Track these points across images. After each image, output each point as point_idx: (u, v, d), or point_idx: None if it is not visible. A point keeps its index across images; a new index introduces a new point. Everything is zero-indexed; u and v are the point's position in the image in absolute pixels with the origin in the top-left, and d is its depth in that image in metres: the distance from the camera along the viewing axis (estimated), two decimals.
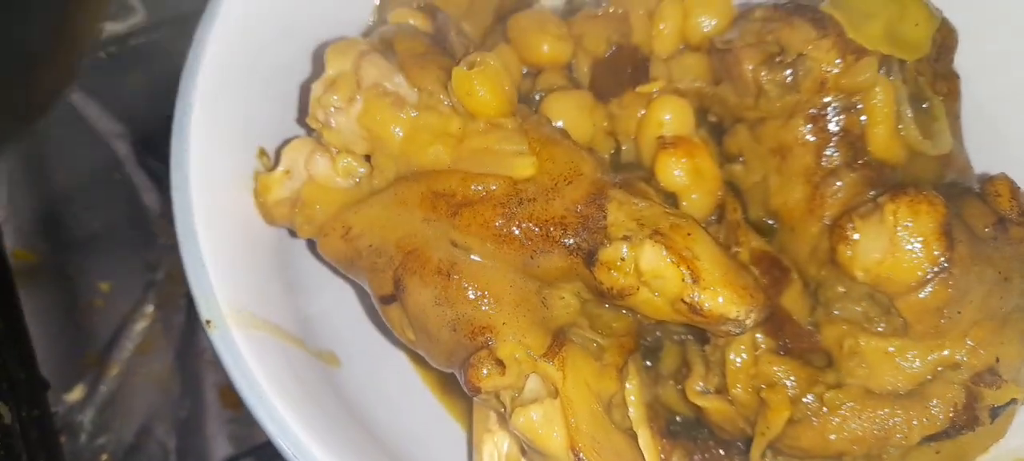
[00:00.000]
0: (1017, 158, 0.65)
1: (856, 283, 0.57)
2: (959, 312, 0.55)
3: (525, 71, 0.70)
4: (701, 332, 0.60)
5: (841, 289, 0.58)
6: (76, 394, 0.83)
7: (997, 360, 0.55)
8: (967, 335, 0.55)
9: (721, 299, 0.53)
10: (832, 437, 0.56)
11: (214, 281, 0.56)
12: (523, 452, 0.60)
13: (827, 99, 0.60)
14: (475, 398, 0.56)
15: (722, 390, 0.59)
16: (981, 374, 0.55)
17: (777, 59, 0.61)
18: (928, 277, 0.54)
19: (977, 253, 0.55)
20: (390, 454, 0.62)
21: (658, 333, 0.64)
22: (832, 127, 0.60)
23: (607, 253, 0.54)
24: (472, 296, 0.55)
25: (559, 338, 0.55)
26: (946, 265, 0.54)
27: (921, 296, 0.55)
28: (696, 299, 0.53)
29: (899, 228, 0.54)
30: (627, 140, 0.67)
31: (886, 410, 0.56)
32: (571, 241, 0.55)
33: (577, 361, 0.55)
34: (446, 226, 0.57)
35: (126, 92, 0.97)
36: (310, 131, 0.63)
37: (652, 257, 0.53)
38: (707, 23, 0.68)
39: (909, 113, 0.60)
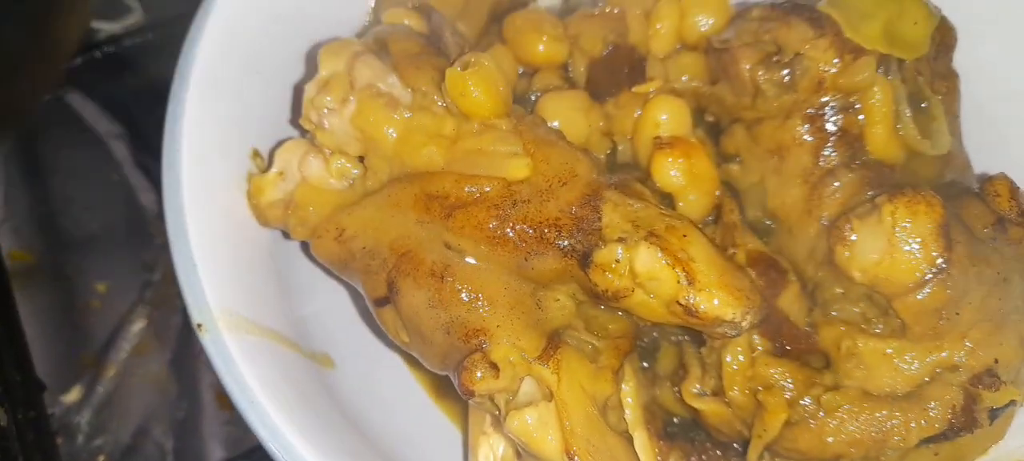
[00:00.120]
0: (1017, 158, 0.65)
1: (854, 284, 0.57)
2: (957, 313, 0.55)
3: (521, 71, 0.70)
4: (697, 334, 0.60)
5: (839, 290, 0.58)
6: (73, 395, 0.83)
7: (996, 361, 0.55)
8: (966, 336, 0.55)
9: (717, 301, 0.53)
10: (830, 439, 0.56)
11: (205, 284, 0.56)
12: (518, 455, 0.59)
13: (825, 99, 0.60)
14: (470, 401, 0.56)
15: (719, 392, 0.59)
16: (980, 376, 0.55)
17: (774, 59, 0.61)
18: (926, 278, 0.54)
19: (976, 254, 0.55)
20: (384, 457, 0.62)
21: (655, 334, 0.64)
22: (830, 127, 0.60)
23: (602, 255, 0.54)
24: (466, 298, 0.55)
25: (554, 340, 0.55)
26: (944, 266, 0.54)
27: (919, 297, 0.55)
28: (691, 301, 0.53)
29: (897, 229, 0.54)
30: (623, 140, 0.67)
31: (884, 412, 0.55)
32: (566, 243, 0.55)
33: (572, 363, 0.54)
34: (440, 228, 0.57)
35: (123, 92, 0.97)
36: (304, 132, 0.63)
37: (647, 259, 0.53)
38: (704, 22, 0.67)
39: (908, 113, 0.59)
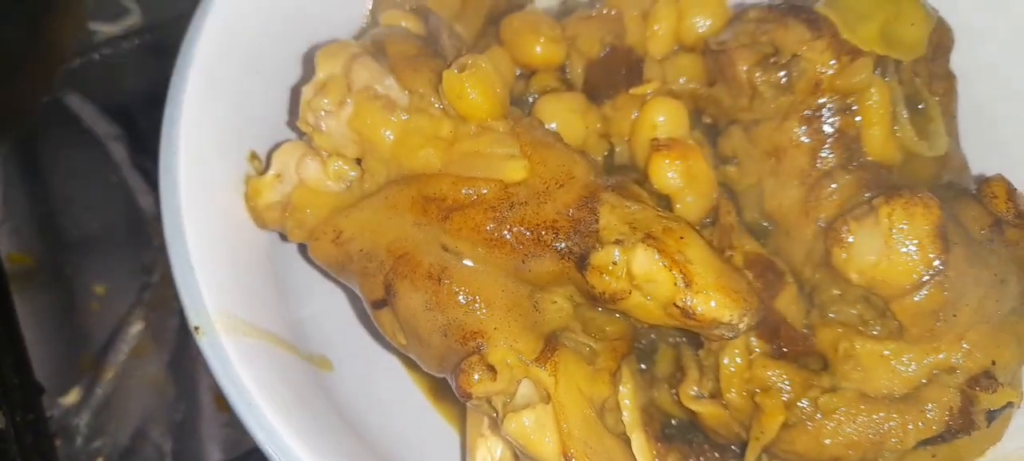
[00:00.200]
0: (1014, 159, 0.65)
1: (851, 286, 0.57)
2: (955, 315, 0.55)
3: (518, 73, 0.70)
4: (695, 336, 0.60)
5: (836, 292, 0.58)
6: (71, 397, 0.83)
7: (993, 363, 0.55)
8: (963, 338, 0.55)
9: (714, 303, 0.53)
10: (827, 441, 0.56)
11: (202, 287, 0.56)
12: (516, 457, 0.59)
13: (822, 100, 0.60)
14: (467, 403, 0.55)
15: (716, 394, 0.59)
16: (977, 377, 0.55)
17: (771, 60, 0.61)
18: (923, 280, 0.54)
19: (973, 255, 0.55)
20: (382, 459, 0.62)
21: (653, 336, 0.64)
22: (827, 129, 0.60)
23: (599, 257, 0.54)
24: (463, 301, 0.55)
25: (551, 342, 0.55)
26: (941, 268, 0.54)
27: (916, 299, 0.54)
28: (688, 303, 0.53)
29: (894, 230, 0.54)
30: (621, 142, 0.67)
31: (881, 414, 0.55)
32: (563, 245, 0.55)
33: (569, 366, 0.54)
34: (437, 230, 0.57)
35: (122, 94, 0.97)
36: (301, 134, 0.63)
37: (644, 261, 0.53)
38: (702, 24, 0.67)
39: (905, 114, 0.59)
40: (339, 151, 0.61)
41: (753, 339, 0.58)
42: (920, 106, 0.61)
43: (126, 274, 0.88)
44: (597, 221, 0.55)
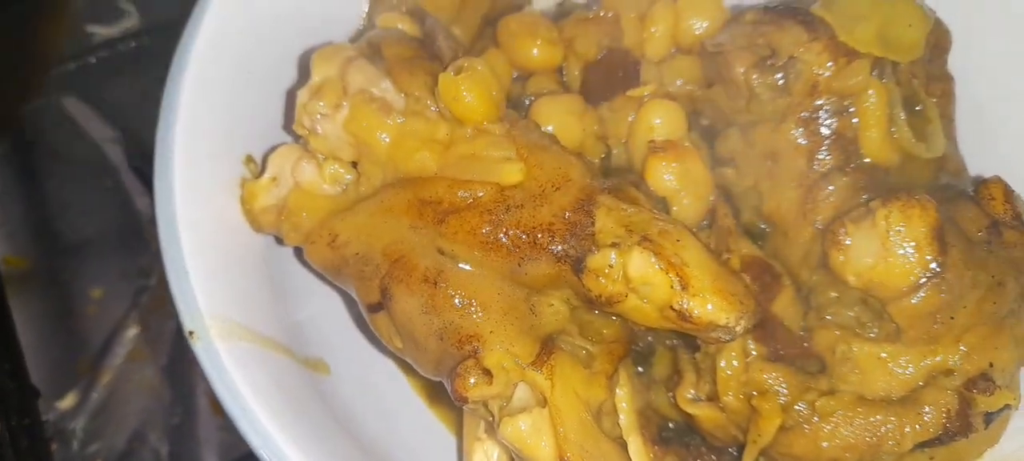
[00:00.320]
0: (1012, 160, 0.65)
1: (848, 288, 0.56)
2: (952, 317, 0.55)
3: (515, 75, 0.70)
4: (692, 339, 0.59)
5: (833, 294, 0.58)
6: (68, 401, 0.83)
7: (991, 365, 0.55)
8: (960, 340, 0.55)
9: (710, 306, 0.53)
10: (824, 444, 0.56)
11: (197, 291, 0.56)
12: None
13: (819, 102, 0.59)
14: (463, 407, 0.55)
15: (713, 397, 0.59)
16: (974, 380, 0.55)
17: (768, 62, 0.61)
18: (920, 282, 0.54)
19: (970, 257, 0.55)
20: None
21: (650, 339, 0.64)
22: (824, 130, 0.60)
23: (595, 260, 0.54)
24: (459, 304, 0.55)
25: (548, 346, 0.55)
26: (938, 270, 0.54)
27: (913, 301, 0.54)
28: (685, 306, 0.53)
29: (891, 232, 0.54)
30: (618, 144, 0.66)
31: (879, 416, 0.55)
32: (559, 248, 0.55)
33: (566, 369, 0.54)
34: (433, 233, 0.56)
35: (119, 97, 0.97)
36: (297, 138, 0.63)
37: (640, 264, 0.53)
38: (699, 26, 0.67)
39: (902, 116, 0.59)
40: (335, 154, 0.60)
41: (750, 342, 0.57)
42: (917, 108, 0.61)
43: (123, 278, 0.88)
44: (593, 224, 0.55)
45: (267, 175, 0.62)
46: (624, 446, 0.56)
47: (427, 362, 0.57)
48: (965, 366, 0.55)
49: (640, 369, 0.64)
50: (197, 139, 0.61)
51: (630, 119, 0.65)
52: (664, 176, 0.62)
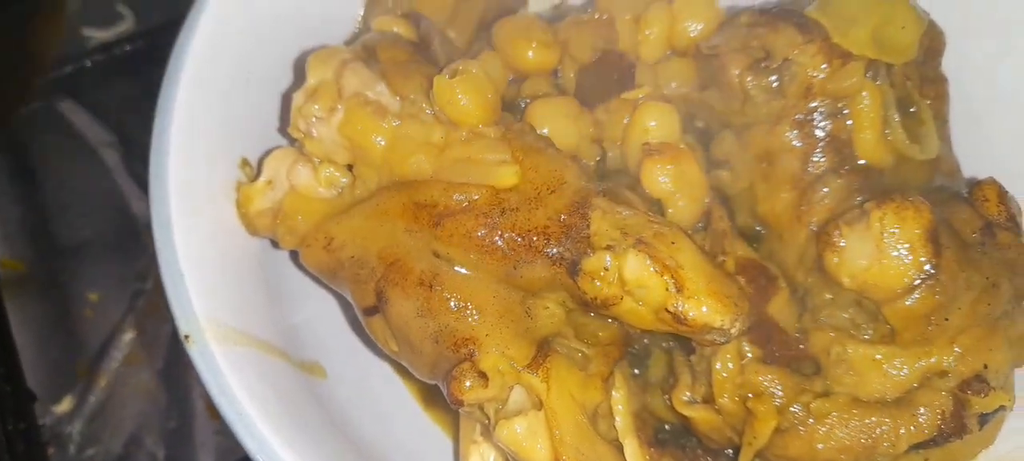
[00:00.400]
0: (1006, 162, 0.65)
1: (843, 290, 0.57)
2: (946, 319, 0.55)
3: (511, 78, 0.70)
4: (687, 341, 0.60)
5: (828, 296, 0.58)
6: (64, 405, 0.83)
7: (985, 367, 0.55)
8: (955, 342, 0.55)
9: (705, 308, 0.53)
10: (820, 446, 0.56)
11: (193, 295, 0.56)
12: None
13: (813, 104, 0.60)
14: (459, 410, 0.55)
15: (709, 399, 0.59)
16: (969, 381, 0.55)
17: (763, 64, 0.61)
18: (915, 284, 0.54)
19: (964, 259, 0.55)
20: None
21: (646, 341, 0.64)
22: (818, 132, 0.60)
23: (590, 263, 0.54)
24: (454, 307, 0.55)
25: (543, 349, 0.55)
26: (933, 271, 0.54)
27: (908, 303, 0.55)
28: (680, 308, 0.53)
29: (885, 234, 0.54)
30: (613, 147, 0.66)
31: (873, 418, 0.55)
32: (554, 251, 0.55)
33: (561, 372, 0.54)
34: (428, 237, 0.57)
35: (115, 100, 0.97)
36: (292, 141, 0.63)
37: (635, 266, 0.53)
38: (693, 28, 0.67)
39: (896, 117, 0.59)
40: (330, 157, 0.60)
41: (745, 344, 0.57)
42: (912, 109, 0.61)
43: (119, 281, 0.88)
44: (588, 226, 0.55)
45: (262, 178, 0.63)
46: (620, 448, 0.56)
47: (423, 365, 0.57)
48: (959, 367, 0.55)
49: (636, 371, 0.64)
50: (193, 140, 0.61)
51: (625, 122, 0.65)
52: (659, 178, 0.62)
